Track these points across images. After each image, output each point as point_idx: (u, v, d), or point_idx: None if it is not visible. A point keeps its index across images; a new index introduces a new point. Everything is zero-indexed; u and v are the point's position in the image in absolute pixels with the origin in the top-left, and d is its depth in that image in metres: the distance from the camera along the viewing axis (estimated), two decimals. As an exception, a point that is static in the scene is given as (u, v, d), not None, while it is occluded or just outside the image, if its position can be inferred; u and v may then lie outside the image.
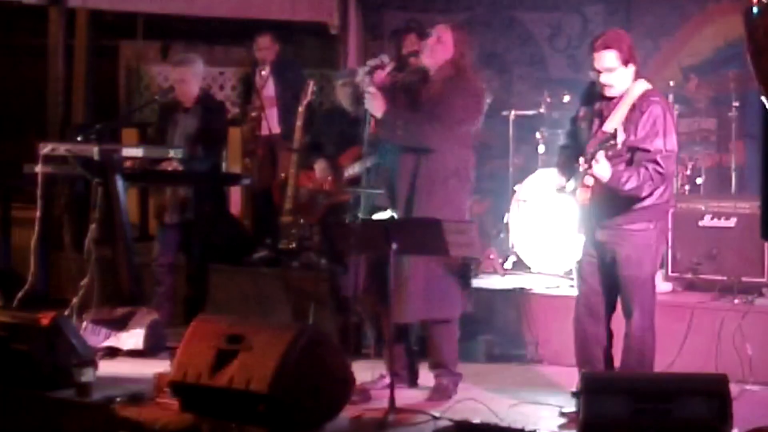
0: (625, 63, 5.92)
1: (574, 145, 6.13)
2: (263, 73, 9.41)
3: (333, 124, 8.01)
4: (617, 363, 6.11)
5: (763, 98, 3.87)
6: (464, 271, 6.64)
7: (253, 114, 9.44)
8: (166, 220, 8.16)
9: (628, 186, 5.80)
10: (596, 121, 6.01)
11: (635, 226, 5.94)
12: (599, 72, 5.94)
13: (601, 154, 5.75)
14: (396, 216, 6.47)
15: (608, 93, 5.98)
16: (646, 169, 5.79)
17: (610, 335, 6.12)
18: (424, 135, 6.42)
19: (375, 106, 6.48)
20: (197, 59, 8.40)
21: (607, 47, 5.91)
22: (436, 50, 6.54)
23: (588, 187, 5.87)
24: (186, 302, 8.16)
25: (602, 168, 5.76)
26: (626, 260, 5.95)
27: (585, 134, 6.05)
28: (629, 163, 5.88)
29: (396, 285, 6.27)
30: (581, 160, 5.88)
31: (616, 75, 5.93)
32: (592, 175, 5.80)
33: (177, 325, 7.54)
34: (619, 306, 6.09)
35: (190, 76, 8.18)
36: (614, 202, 5.91)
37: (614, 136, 5.75)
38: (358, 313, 6.87)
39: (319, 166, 7.98)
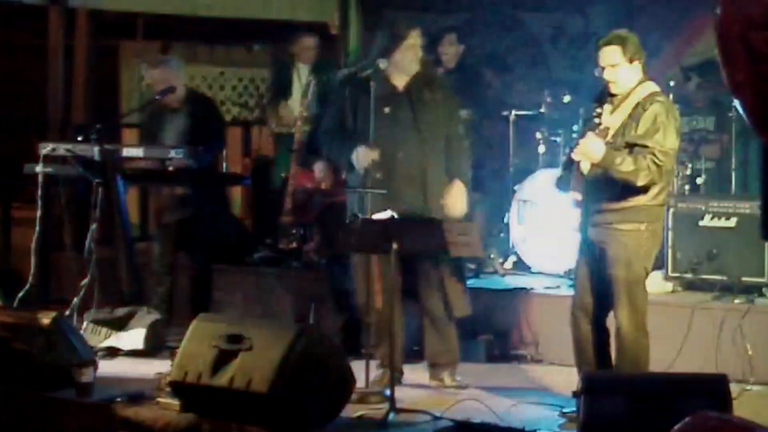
0: (630, 60, 5.92)
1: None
2: (312, 86, 8.89)
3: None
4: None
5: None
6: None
7: (299, 123, 8.80)
8: (164, 219, 8.13)
9: (624, 168, 5.72)
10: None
11: (625, 226, 5.89)
12: (603, 68, 5.95)
13: (589, 133, 5.73)
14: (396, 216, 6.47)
15: (613, 90, 5.98)
16: (644, 158, 5.76)
17: (606, 335, 6.11)
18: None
19: None
20: (174, 58, 8.34)
21: (610, 43, 5.94)
22: (419, 54, 6.63)
23: (581, 175, 5.86)
24: (188, 302, 8.14)
25: (592, 144, 5.71)
26: (614, 259, 5.91)
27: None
28: None
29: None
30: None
31: (620, 71, 5.92)
32: (585, 154, 5.74)
33: (177, 325, 7.53)
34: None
35: (173, 76, 8.04)
36: (607, 200, 5.89)
37: (599, 115, 5.75)
38: (362, 314, 6.86)
39: (318, 167, 7.97)
